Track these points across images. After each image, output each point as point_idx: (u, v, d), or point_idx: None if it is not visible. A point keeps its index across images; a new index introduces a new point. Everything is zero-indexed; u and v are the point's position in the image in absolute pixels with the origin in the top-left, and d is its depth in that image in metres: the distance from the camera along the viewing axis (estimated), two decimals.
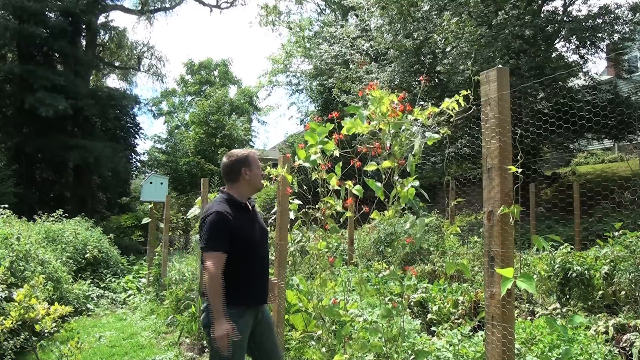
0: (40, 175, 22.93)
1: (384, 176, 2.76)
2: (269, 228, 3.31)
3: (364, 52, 17.18)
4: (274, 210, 3.73)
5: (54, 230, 9.70)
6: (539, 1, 13.53)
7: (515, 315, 3.94)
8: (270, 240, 4.09)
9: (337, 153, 3.04)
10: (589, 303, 5.15)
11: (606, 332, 4.04)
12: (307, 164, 3.06)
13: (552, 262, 5.47)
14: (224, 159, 2.82)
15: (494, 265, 1.90)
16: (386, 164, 2.70)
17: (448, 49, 12.45)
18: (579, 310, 4.99)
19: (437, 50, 13.21)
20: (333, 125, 2.97)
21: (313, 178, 3.15)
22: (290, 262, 4.75)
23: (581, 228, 8.53)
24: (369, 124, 2.75)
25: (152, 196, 12.28)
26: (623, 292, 4.91)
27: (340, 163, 3.10)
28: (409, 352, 3.58)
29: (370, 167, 2.82)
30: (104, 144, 20.78)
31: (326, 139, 3.02)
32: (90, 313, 7.63)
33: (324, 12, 28.79)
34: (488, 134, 1.96)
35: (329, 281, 3.25)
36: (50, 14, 20.55)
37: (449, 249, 7.67)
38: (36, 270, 6.25)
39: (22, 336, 4.07)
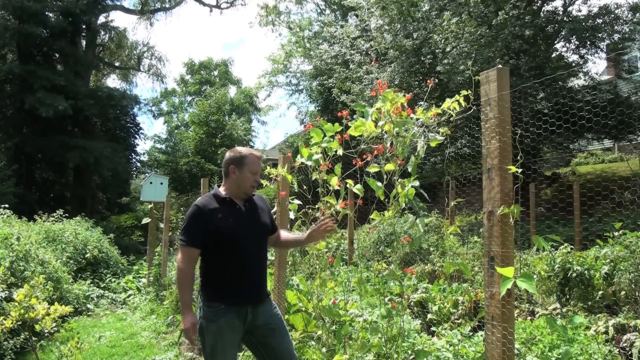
0: (40, 175, 22.92)
1: (385, 176, 2.77)
2: None
3: (364, 52, 17.17)
4: (273, 210, 3.73)
5: (54, 230, 9.70)
6: (539, 1, 13.52)
7: (515, 315, 3.95)
8: None
9: (340, 152, 3.05)
10: (589, 303, 5.15)
11: (606, 332, 4.04)
12: (309, 163, 3.07)
13: (552, 262, 5.47)
14: (227, 153, 2.80)
15: (494, 265, 1.90)
16: (389, 167, 2.71)
17: (448, 49, 12.45)
18: (579, 310, 4.99)
19: (437, 50, 13.21)
20: (342, 127, 2.99)
21: (313, 178, 3.16)
22: (290, 262, 4.74)
23: (581, 228, 8.52)
24: (376, 125, 2.76)
25: (152, 196, 12.30)
26: (623, 292, 4.90)
27: (340, 163, 3.10)
28: (409, 352, 3.58)
29: (373, 168, 2.83)
30: (104, 144, 20.77)
31: (330, 138, 3.04)
32: (90, 313, 7.63)
33: (324, 12, 28.78)
34: (488, 134, 1.96)
35: (329, 281, 3.25)
36: (50, 14, 20.51)
37: (449, 249, 7.67)
38: (36, 270, 6.25)
39: (22, 336, 4.07)
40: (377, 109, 2.75)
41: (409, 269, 3.18)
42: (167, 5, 28.77)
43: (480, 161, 2.03)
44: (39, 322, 3.85)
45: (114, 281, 9.65)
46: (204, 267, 2.64)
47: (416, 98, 10.46)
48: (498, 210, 1.90)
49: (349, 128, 2.91)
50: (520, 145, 2.03)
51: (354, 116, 2.91)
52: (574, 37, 12.71)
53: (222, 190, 2.73)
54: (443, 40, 12.43)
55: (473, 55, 11.42)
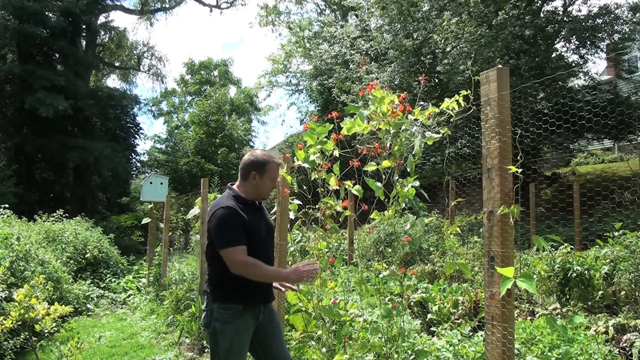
0: (40, 175, 22.94)
1: (383, 176, 2.76)
2: None
3: (364, 52, 17.17)
4: (274, 210, 3.73)
5: (54, 230, 9.70)
6: (539, 1, 13.52)
7: (515, 315, 3.94)
8: None
9: (336, 153, 3.03)
10: (589, 303, 5.16)
11: (606, 332, 4.04)
12: (306, 165, 3.06)
13: (552, 262, 5.47)
14: (246, 155, 2.80)
15: (494, 265, 1.90)
16: (386, 163, 2.71)
17: (448, 49, 12.44)
18: (579, 310, 4.99)
19: (437, 50, 13.21)
20: (332, 125, 2.96)
21: (312, 178, 3.15)
22: (290, 262, 4.74)
23: (581, 228, 8.52)
24: (369, 123, 2.75)
25: (152, 196, 12.31)
26: (623, 292, 4.91)
27: (338, 163, 3.09)
28: (409, 352, 3.58)
29: (370, 167, 2.82)
30: (104, 144, 20.78)
31: (325, 139, 3.02)
32: (90, 313, 7.63)
33: (323, 12, 28.78)
34: (488, 134, 1.96)
35: (329, 281, 3.25)
36: (50, 14, 20.52)
37: (449, 249, 7.67)
38: (36, 270, 6.25)
39: (22, 336, 4.07)
40: (372, 111, 2.74)
41: (409, 270, 3.18)
42: (167, 5, 28.80)
43: (480, 161, 2.03)
44: (39, 322, 3.85)
45: (114, 281, 9.64)
46: (221, 269, 2.54)
47: (416, 98, 10.45)
48: (498, 210, 1.90)
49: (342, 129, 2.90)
50: (520, 145, 2.03)
51: (354, 117, 2.89)
52: (574, 37, 12.71)
53: (240, 192, 2.72)
54: (443, 40, 12.43)
55: (473, 55, 11.42)
